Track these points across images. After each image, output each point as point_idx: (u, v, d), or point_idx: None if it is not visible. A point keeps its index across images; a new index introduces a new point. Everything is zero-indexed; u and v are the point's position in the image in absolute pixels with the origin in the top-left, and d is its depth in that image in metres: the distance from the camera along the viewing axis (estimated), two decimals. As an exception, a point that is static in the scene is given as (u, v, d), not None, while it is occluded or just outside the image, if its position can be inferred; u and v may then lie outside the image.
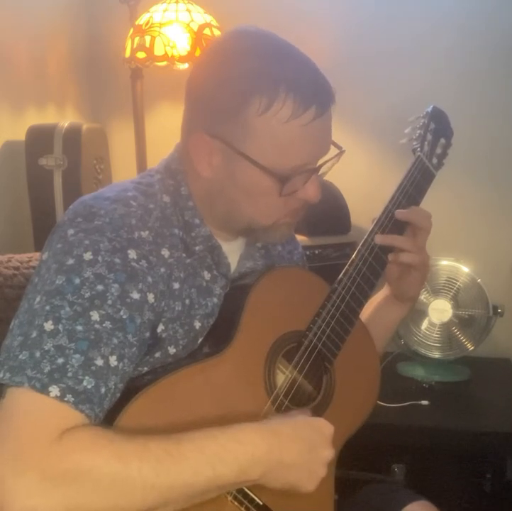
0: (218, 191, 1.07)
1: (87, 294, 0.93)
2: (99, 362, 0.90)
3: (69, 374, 0.88)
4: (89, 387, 0.89)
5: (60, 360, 0.88)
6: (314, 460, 1.00)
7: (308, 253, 1.94)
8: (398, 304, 1.30)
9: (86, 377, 0.89)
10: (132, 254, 0.98)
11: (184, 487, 0.88)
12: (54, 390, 0.87)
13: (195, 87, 1.07)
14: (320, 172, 1.08)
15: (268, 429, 0.97)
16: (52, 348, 0.89)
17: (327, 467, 1.01)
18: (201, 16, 2.02)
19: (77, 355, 0.89)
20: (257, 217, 1.08)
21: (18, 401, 0.87)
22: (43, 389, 0.87)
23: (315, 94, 1.01)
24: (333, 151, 1.11)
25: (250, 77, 1.00)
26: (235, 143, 1.02)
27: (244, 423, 0.95)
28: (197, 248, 1.08)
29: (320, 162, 1.08)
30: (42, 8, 2.02)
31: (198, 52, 1.97)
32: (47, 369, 0.88)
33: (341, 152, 1.11)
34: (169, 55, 1.97)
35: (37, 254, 1.31)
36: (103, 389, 0.90)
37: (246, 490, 0.99)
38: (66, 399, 0.87)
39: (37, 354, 0.89)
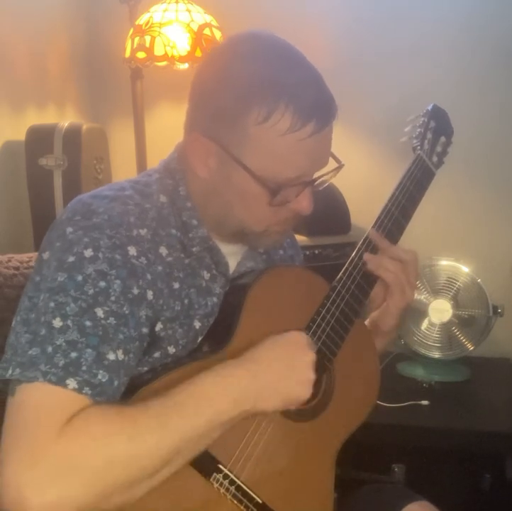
0: (212, 192, 1.07)
1: (91, 291, 0.93)
2: (111, 356, 0.92)
3: (84, 368, 0.89)
4: (104, 380, 0.90)
5: (73, 354, 0.89)
6: (297, 368, 1.03)
7: (308, 253, 1.94)
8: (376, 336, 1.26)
9: (101, 371, 0.90)
10: (132, 251, 0.98)
11: (189, 431, 0.92)
12: (72, 383, 0.88)
13: (198, 86, 1.07)
14: (316, 183, 1.08)
15: (245, 358, 1.01)
16: (64, 343, 0.90)
17: (312, 369, 1.04)
18: (201, 16, 2.02)
19: (89, 350, 0.90)
20: (248, 222, 1.08)
21: (31, 396, 0.88)
22: (59, 382, 0.87)
23: (316, 109, 1.01)
24: (332, 163, 1.10)
25: (253, 84, 1.00)
26: (231, 148, 1.02)
27: (225, 362, 0.99)
28: (194, 248, 1.08)
29: (317, 174, 1.08)
30: (42, 8, 2.02)
31: (198, 52, 1.98)
32: (61, 363, 0.88)
33: (340, 166, 1.11)
34: (169, 55, 1.98)
35: (37, 254, 1.31)
36: (116, 383, 0.92)
37: (245, 488, 0.99)
38: (84, 391, 0.88)
39: (49, 349, 0.89)
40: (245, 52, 1.03)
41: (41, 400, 0.87)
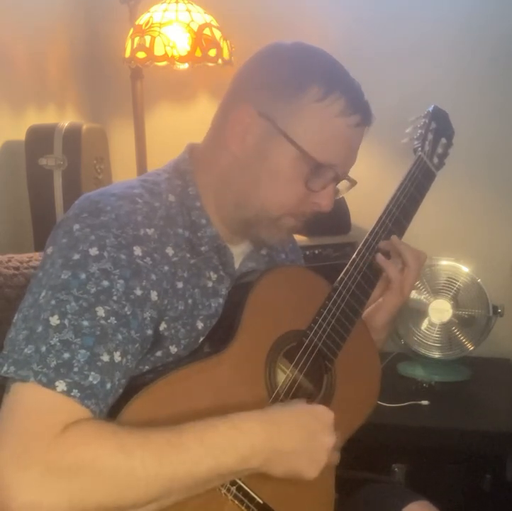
0: (240, 170, 1.08)
1: (93, 290, 0.93)
2: (105, 358, 0.91)
3: (75, 369, 0.89)
4: (95, 382, 0.89)
5: (66, 355, 0.89)
6: (314, 447, 1.00)
7: (308, 253, 1.94)
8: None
9: (92, 373, 0.89)
10: (137, 251, 0.98)
11: (186, 476, 0.89)
12: (61, 385, 0.87)
13: (255, 63, 1.12)
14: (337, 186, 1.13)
15: (268, 418, 0.98)
16: (58, 343, 0.90)
17: (328, 453, 1.01)
18: (201, 16, 2.02)
19: (83, 351, 0.90)
20: (269, 204, 1.08)
21: (24, 396, 0.88)
22: (49, 384, 0.87)
23: (362, 107, 1.09)
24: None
25: (314, 68, 1.08)
26: (281, 123, 1.05)
27: (244, 412, 0.96)
28: (203, 248, 1.09)
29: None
30: (42, 8, 2.02)
31: (198, 52, 1.98)
32: (53, 363, 0.88)
33: (353, 183, 1.17)
34: (169, 55, 1.97)
35: (37, 254, 1.31)
36: (108, 385, 0.91)
37: (246, 488, 0.99)
38: (72, 394, 0.88)
39: (43, 348, 0.89)
40: (303, 45, 1.12)
41: (31, 402, 0.87)
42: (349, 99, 1.07)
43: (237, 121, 1.07)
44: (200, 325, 1.07)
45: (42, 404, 0.87)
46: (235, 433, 0.93)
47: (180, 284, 1.04)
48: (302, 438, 0.99)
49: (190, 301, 1.06)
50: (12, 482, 0.82)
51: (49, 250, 1.00)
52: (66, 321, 0.91)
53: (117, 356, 0.92)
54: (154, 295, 0.99)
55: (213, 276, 1.10)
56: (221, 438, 0.92)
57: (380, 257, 1.21)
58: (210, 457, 0.91)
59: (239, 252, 1.16)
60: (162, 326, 1.02)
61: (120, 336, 0.93)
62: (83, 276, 0.94)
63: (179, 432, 0.90)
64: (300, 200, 1.09)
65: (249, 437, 0.94)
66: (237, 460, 0.93)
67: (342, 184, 1.16)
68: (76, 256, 0.95)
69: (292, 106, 1.05)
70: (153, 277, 0.99)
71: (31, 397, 0.87)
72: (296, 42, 1.13)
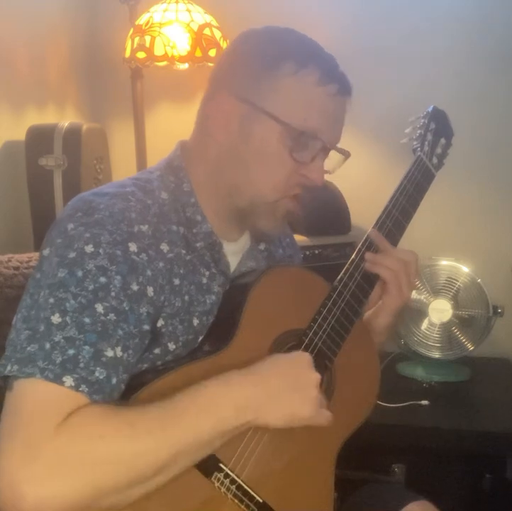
0: (228, 158, 1.09)
1: (91, 287, 0.94)
2: (109, 353, 0.92)
3: (81, 365, 0.89)
4: (101, 377, 0.90)
5: (71, 351, 0.90)
6: (302, 384, 1.02)
7: (308, 253, 1.94)
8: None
9: (98, 368, 0.90)
10: (132, 247, 0.99)
11: (190, 437, 0.91)
12: (69, 380, 0.88)
13: (228, 53, 1.15)
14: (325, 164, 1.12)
15: (249, 370, 1.00)
16: (62, 340, 0.90)
17: (317, 388, 1.03)
18: (201, 16, 2.02)
19: (87, 347, 0.90)
20: (261, 186, 1.09)
21: (29, 391, 0.88)
22: (57, 379, 0.88)
23: (338, 76, 1.10)
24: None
25: (286, 46, 1.09)
26: (259, 102, 1.07)
27: (226, 372, 0.98)
28: (198, 244, 1.09)
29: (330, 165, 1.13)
30: (42, 8, 2.02)
31: (198, 52, 1.98)
32: (58, 360, 0.89)
33: (347, 156, 1.16)
34: (169, 55, 1.98)
35: (38, 254, 1.31)
36: (114, 380, 0.92)
37: (246, 487, 1.00)
38: (80, 389, 0.88)
39: (47, 346, 0.90)
40: (273, 27, 1.13)
41: (38, 397, 0.88)
42: (324, 69, 1.08)
43: (218, 109, 1.09)
44: (195, 321, 1.07)
45: (49, 398, 0.87)
46: (225, 388, 0.96)
47: (177, 281, 1.05)
48: (287, 379, 1.01)
49: (187, 297, 1.06)
50: (21, 478, 0.82)
51: (45, 251, 1.00)
52: (68, 319, 0.91)
53: (119, 351, 0.93)
54: (150, 291, 1.00)
55: (206, 273, 1.10)
56: (213, 394, 0.95)
57: (369, 266, 1.19)
58: (208, 413, 0.93)
59: (237, 249, 1.16)
60: (160, 323, 1.02)
61: (120, 332, 0.94)
62: (80, 273, 0.94)
63: (172, 399, 0.92)
64: (290, 176, 1.09)
65: (238, 389, 0.97)
66: (234, 412, 0.95)
67: (335, 160, 1.16)
68: (72, 254, 0.96)
69: (268, 85, 1.07)
70: (149, 273, 1.00)
71: (37, 393, 0.88)
72: (266, 26, 1.14)
